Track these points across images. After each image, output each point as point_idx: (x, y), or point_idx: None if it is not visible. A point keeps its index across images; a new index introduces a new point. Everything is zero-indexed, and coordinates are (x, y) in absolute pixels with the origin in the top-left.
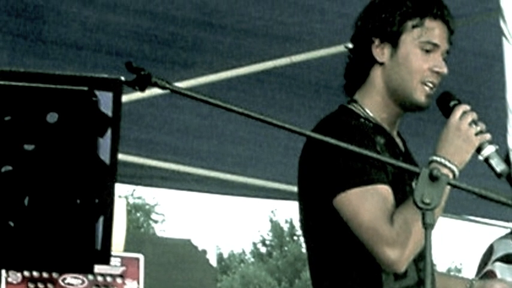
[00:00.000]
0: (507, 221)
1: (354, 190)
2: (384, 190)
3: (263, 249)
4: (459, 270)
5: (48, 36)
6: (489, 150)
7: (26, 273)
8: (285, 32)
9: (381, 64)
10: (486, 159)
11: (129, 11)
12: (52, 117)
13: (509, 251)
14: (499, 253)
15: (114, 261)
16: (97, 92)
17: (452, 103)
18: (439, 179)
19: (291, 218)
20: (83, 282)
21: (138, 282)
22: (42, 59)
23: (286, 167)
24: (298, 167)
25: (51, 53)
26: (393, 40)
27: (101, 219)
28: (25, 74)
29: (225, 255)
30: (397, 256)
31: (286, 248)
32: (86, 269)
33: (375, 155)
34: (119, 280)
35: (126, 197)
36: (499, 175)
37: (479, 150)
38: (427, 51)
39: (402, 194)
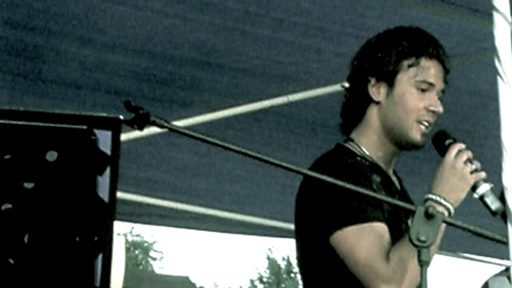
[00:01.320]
0: (502, 258)
1: (351, 228)
2: (380, 228)
3: (260, 287)
4: None
5: (47, 75)
6: (484, 188)
7: None
8: (282, 72)
9: (377, 103)
10: (481, 197)
11: (127, 50)
12: (52, 156)
13: None
14: None
15: None
16: (96, 131)
17: (447, 142)
18: (434, 216)
19: (288, 255)
20: None
21: None
22: (42, 98)
23: (283, 205)
24: (295, 205)
25: (50, 92)
26: (389, 79)
27: (100, 256)
28: (25, 112)
29: None
30: None
31: (283, 286)
32: None
33: (371, 193)
34: None
35: (125, 235)
36: (494, 213)
37: (474, 188)
38: (423, 90)
39: (398, 232)
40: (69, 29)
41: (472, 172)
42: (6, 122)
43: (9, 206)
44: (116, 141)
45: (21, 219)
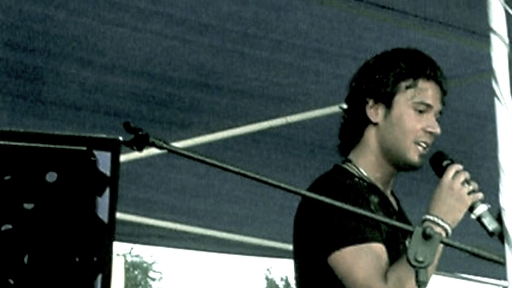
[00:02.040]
0: (499, 278)
1: (349, 248)
2: (378, 248)
3: None
4: None
5: (47, 97)
6: (481, 209)
7: None
8: (280, 93)
9: (375, 124)
10: (478, 218)
11: (127, 72)
12: (51, 177)
13: None
14: None
15: None
16: (95, 152)
17: (445, 163)
18: (432, 237)
19: (287, 275)
20: None
21: None
22: (42, 119)
23: (281, 226)
24: (293, 225)
25: (50, 114)
26: (387, 101)
27: (99, 277)
28: (25, 134)
29: None
30: None
31: None
32: None
33: (369, 213)
34: None
35: (124, 255)
36: (491, 234)
37: (471, 209)
38: (421, 111)
39: (396, 252)
40: (69, 51)
41: (469, 193)
42: (6, 143)
43: (9, 226)
44: (115, 162)
45: (21, 240)
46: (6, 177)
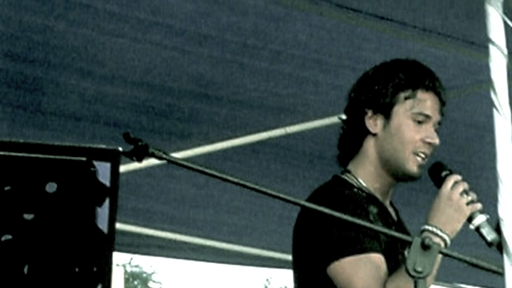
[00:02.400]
0: None
1: (348, 259)
2: (377, 258)
3: None
4: None
5: (47, 107)
6: (480, 219)
7: None
8: (279, 104)
9: (374, 135)
10: (477, 228)
11: (126, 82)
12: (51, 187)
13: None
14: None
15: None
16: (95, 163)
17: (443, 173)
18: (431, 247)
19: (286, 286)
20: None
21: None
22: (42, 129)
23: (280, 236)
24: (292, 236)
25: (50, 124)
26: (386, 111)
27: (99, 287)
28: (24, 144)
29: None
30: None
31: None
32: None
33: (368, 224)
34: None
35: (124, 266)
36: (489, 244)
37: (470, 219)
38: (419, 122)
39: (395, 263)
40: (69, 62)
41: (468, 203)
42: (6, 153)
43: (9, 237)
44: (115, 172)
45: (21, 250)
46: (6, 188)
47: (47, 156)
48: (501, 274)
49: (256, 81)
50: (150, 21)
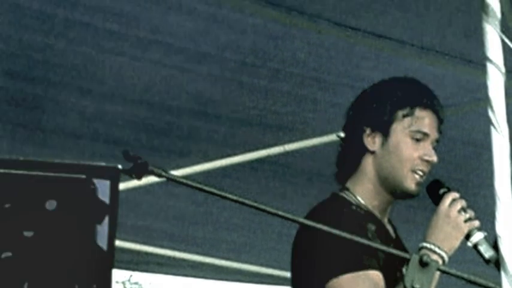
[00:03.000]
0: None
1: (346, 276)
2: (375, 276)
3: None
4: None
5: (47, 125)
6: (478, 236)
7: None
8: (278, 121)
9: (372, 153)
10: (475, 246)
11: (126, 101)
12: (51, 205)
13: None
14: None
15: None
16: (95, 180)
17: (441, 191)
18: (429, 265)
19: None
20: None
21: None
22: (41, 147)
23: (279, 253)
24: (291, 253)
25: (50, 142)
26: (384, 129)
27: None
28: (24, 162)
29: None
30: None
31: None
32: None
33: (366, 241)
34: None
35: (123, 283)
36: (487, 261)
37: (468, 236)
38: (417, 140)
39: (393, 280)
40: (69, 80)
41: (466, 221)
42: (6, 171)
43: (9, 254)
44: (114, 190)
45: (20, 268)
46: (6, 205)
47: (47, 173)
48: None
49: (255, 99)
50: (149, 39)
